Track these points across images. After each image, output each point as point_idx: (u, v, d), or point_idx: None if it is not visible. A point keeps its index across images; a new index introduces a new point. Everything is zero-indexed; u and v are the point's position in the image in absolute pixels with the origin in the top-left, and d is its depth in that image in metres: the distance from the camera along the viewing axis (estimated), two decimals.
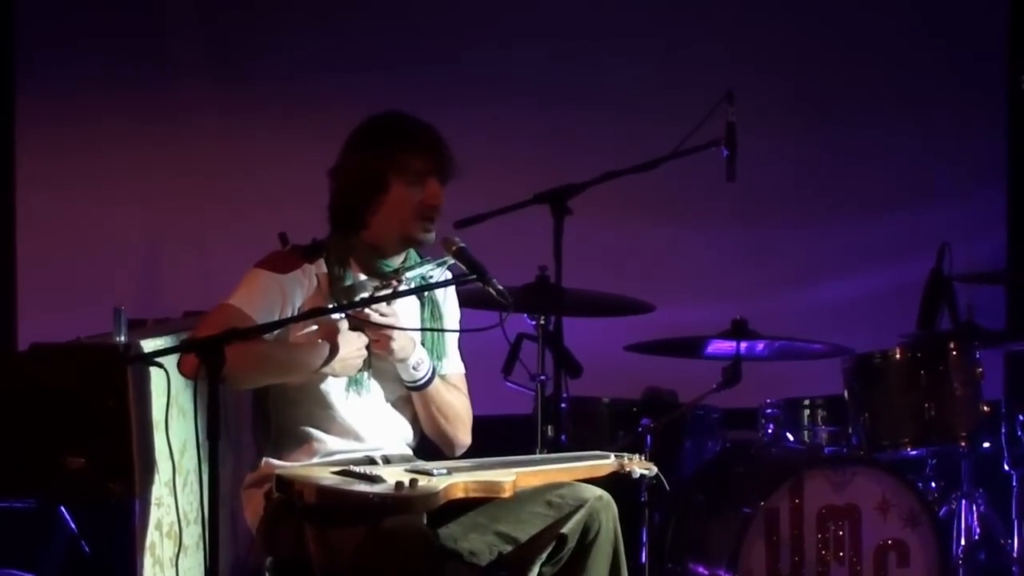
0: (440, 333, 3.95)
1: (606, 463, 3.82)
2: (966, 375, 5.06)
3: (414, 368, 3.86)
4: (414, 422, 3.97)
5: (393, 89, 5.85)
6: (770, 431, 5.26)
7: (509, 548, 3.70)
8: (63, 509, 4.66)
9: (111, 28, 5.94)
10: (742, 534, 4.81)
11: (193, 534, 4.02)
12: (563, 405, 4.71)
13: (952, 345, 5.09)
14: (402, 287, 3.85)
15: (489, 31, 6.18)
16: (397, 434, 3.93)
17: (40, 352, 3.81)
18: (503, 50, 6.17)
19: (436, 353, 3.94)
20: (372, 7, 6.12)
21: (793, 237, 6.40)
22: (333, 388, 3.83)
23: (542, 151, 6.06)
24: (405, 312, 3.90)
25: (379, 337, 3.79)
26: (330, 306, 3.74)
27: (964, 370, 5.06)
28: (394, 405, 3.93)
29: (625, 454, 3.86)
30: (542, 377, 4.84)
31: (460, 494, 3.56)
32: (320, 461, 3.80)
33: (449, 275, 3.87)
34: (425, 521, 3.59)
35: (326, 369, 3.73)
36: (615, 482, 3.81)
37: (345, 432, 3.84)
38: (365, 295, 3.82)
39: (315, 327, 3.77)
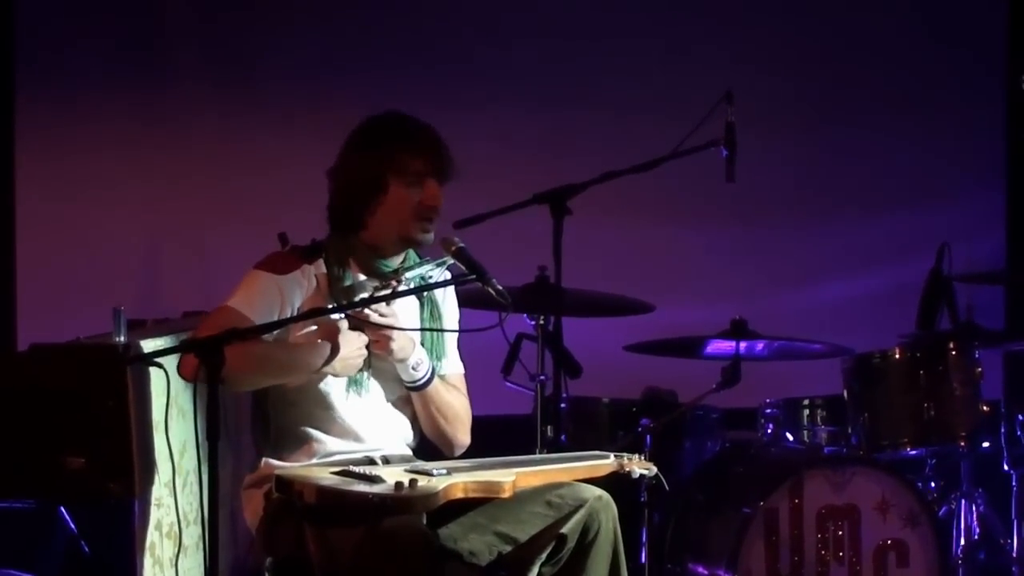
0: (439, 333, 3.95)
1: (606, 463, 3.82)
2: (965, 375, 5.06)
3: (413, 368, 3.86)
4: (414, 422, 3.97)
5: (393, 89, 5.84)
6: (770, 431, 5.26)
7: (509, 548, 3.70)
8: (63, 509, 4.67)
9: (111, 29, 5.94)
10: (742, 534, 4.81)
11: (193, 534, 4.02)
12: (563, 405, 4.71)
13: (951, 345, 5.10)
14: (401, 287, 3.85)
15: (489, 31, 6.18)
16: (397, 434, 3.93)
17: (40, 352, 3.81)
18: (503, 50, 6.17)
19: (435, 353, 3.94)
20: (372, 7, 6.12)
21: (793, 237, 6.40)
22: (333, 388, 3.83)
23: (542, 151, 6.06)
24: (404, 312, 3.90)
25: (379, 337, 3.80)
26: (330, 306, 3.75)
27: (963, 370, 5.06)
28: (394, 405, 3.93)
29: (625, 454, 3.86)
30: (542, 377, 4.85)
31: (460, 494, 3.56)
32: (320, 461, 3.80)
33: (448, 275, 3.87)
34: (425, 521, 3.59)
35: (327, 369, 3.73)
36: (615, 482, 3.81)
37: (345, 432, 3.84)
38: (364, 295, 3.82)
39: (315, 327, 3.77)
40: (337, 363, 3.73)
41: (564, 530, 3.67)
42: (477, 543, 3.69)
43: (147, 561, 3.84)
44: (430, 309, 3.96)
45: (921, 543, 4.91)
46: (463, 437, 3.98)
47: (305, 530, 3.62)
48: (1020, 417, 5.27)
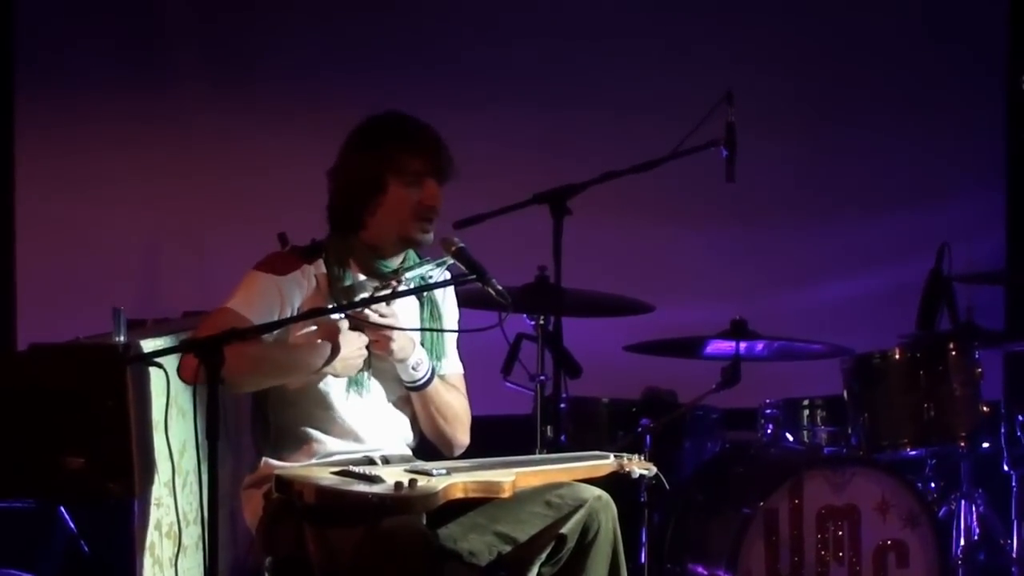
0: (439, 333, 3.95)
1: (605, 463, 3.81)
2: (965, 375, 5.06)
3: (413, 368, 3.86)
4: (414, 423, 3.97)
5: (393, 89, 5.84)
6: (769, 431, 5.26)
7: (508, 548, 3.70)
8: (63, 509, 4.67)
9: (111, 29, 5.94)
10: (741, 534, 4.81)
11: (192, 534, 4.02)
12: (562, 405, 4.71)
13: (951, 345, 5.10)
14: (401, 287, 3.85)
15: (489, 31, 6.18)
16: (397, 435, 3.93)
17: (40, 352, 3.81)
18: (503, 50, 6.17)
19: (435, 353, 3.94)
20: (372, 7, 6.12)
21: (793, 237, 6.40)
22: (333, 389, 3.83)
23: (542, 151, 6.06)
24: (404, 312, 3.90)
25: (379, 337, 3.79)
26: (330, 306, 3.74)
27: (963, 370, 5.06)
28: (394, 406, 3.93)
29: (624, 454, 3.86)
30: (541, 377, 4.85)
31: (459, 494, 3.56)
32: (319, 462, 3.80)
33: (448, 275, 3.87)
34: (424, 521, 3.59)
35: (327, 369, 3.73)
36: (614, 482, 3.80)
37: (345, 433, 3.84)
38: (364, 295, 3.82)
39: (315, 328, 3.77)
40: (337, 363, 3.72)
41: (564, 530, 3.67)
42: (477, 543, 3.69)
43: (147, 561, 3.84)
44: (430, 309, 3.95)
45: (921, 543, 4.91)
46: (463, 437, 3.98)
47: (305, 530, 3.62)
48: (1020, 417, 5.27)
